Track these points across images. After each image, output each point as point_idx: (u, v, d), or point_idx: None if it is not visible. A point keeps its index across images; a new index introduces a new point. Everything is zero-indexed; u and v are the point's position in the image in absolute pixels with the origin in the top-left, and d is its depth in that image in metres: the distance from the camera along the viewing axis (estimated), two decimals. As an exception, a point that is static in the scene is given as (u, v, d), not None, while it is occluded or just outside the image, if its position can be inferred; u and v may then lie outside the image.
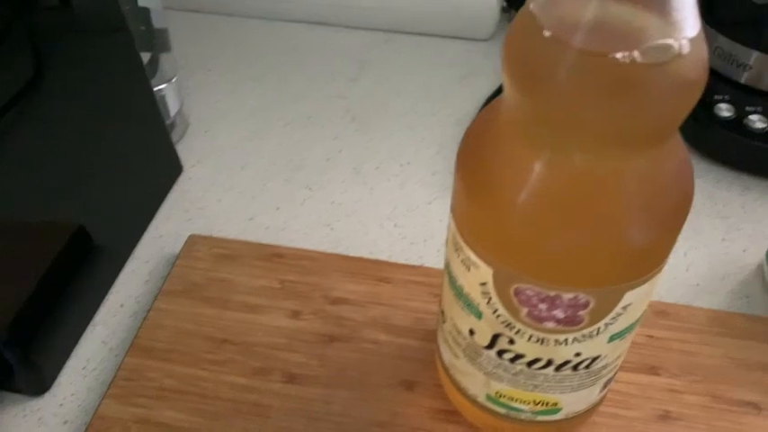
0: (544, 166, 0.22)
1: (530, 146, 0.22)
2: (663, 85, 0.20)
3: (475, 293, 0.26)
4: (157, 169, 0.46)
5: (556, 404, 0.29)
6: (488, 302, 0.26)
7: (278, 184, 0.46)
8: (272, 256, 0.40)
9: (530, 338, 0.26)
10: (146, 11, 0.45)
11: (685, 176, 0.24)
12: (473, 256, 0.25)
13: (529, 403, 0.29)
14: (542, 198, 0.22)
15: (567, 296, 0.24)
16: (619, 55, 0.19)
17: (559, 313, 0.24)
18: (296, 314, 0.37)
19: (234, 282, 0.39)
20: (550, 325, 0.25)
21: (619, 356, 0.28)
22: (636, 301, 0.25)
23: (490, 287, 0.25)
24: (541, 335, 0.25)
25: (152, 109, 0.44)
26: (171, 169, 0.47)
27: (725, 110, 0.47)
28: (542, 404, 0.29)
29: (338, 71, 0.56)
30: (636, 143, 0.21)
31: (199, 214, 0.44)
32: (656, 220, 0.23)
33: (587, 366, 0.27)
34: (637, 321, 0.27)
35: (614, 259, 0.23)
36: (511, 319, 0.26)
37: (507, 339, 0.26)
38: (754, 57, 0.46)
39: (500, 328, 0.26)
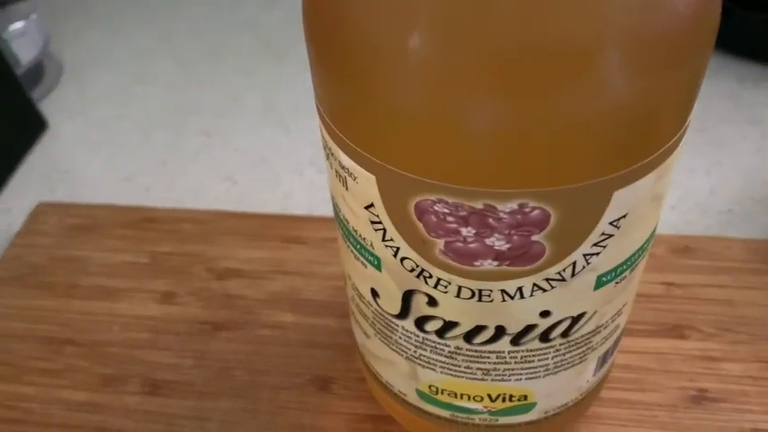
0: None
1: None
2: None
3: (363, 226, 0.16)
4: (9, 129, 0.35)
5: (525, 397, 0.18)
6: (384, 237, 0.15)
7: (165, 133, 0.36)
8: (142, 221, 0.29)
9: (459, 293, 0.15)
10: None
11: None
12: (346, 160, 0.14)
13: (482, 399, 0.18)
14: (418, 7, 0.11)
15: (506, 206, 0.13)
16: None
17: (499, 241, 0.14)
18: (168, 297, 0.27)
19: (87, 260, 0.28)
20: (488, 264, 0.14)
21: (618, 312, 0.17)
22: (636, 207, 0.14)
23: (379, 208, 0.15)
24: (477, 284, 0.15)
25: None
26: (29, 127, 0.36)
27: (743, -15, 0.36)
28: (503, 399, 0.18)
29: (254, -1, 0.45)
30: None
31: (62, 180, 0.34)
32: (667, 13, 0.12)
33: (565, 333, 0.16)
34: (642, 249, 0.16)
35: (586, 113, 0.12)
36: (422, 262, 0.15)
37: (425, 299, 0.16)
38: None
39: (410, 281, 0.16)
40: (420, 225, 0.14)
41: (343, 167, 0.15)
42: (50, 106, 0.38)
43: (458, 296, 0.15)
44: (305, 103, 0.37)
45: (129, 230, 0.29)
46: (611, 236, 0.14)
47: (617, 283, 0.16)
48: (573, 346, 0.17)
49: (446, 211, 0.13)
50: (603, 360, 0.19)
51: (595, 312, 0.16)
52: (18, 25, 0.38)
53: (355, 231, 0.16)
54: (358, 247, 0.16)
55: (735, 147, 0.33)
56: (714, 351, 0.24)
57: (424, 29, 0.11)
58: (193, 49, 0.41)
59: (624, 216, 0.14)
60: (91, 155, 0.35)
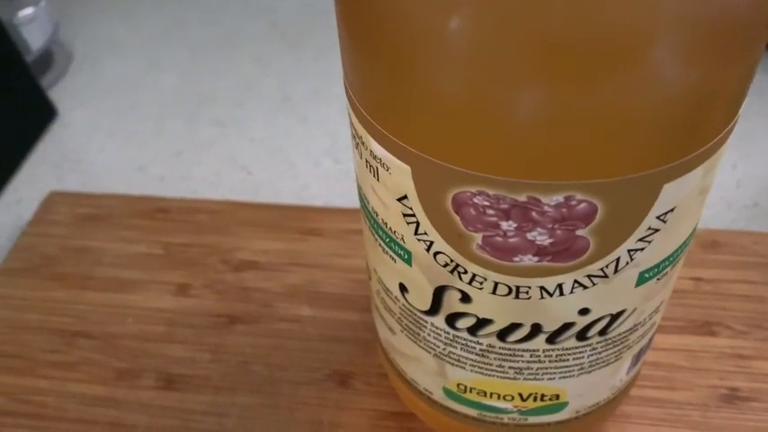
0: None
1: None
2: None
3: (394, 219, 0.15)
4: (18, 117, 0.34)
5: (557, 397, 0.18)
6: (416, 231, 0.14)
7: (178, 122, 0.35)
8: (155, 211, 0.29)
9: (495, 289, 0.14)
10: None
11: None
12: (378, 149, 0.14)
13: (512, 398, 0.18)
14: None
15: (552, 199, 0.12)
16: None
17: (542, 235, 0.13)
18: (183, 289, 0.26)
19: (100, 250, 0.27)
20: (528, 260, 0.14)
21: (656, 310, 0.17)
22: (683, 201, 0.13)
23: (413, 201, 0.14)
24: (515, 280, 0.14)
25: (2, 41, 0.33)
26: (39, 115, 0.35)
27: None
28: (535, 398, 0.18)
29: (268, -14, 0.45)
30: None
31: (73, 169, 0.33)
32: None
33: (603, 331, 0.16)
34: (685, 244, 0.15)
35: (642, 102, 0.11)
36: (457, 257, 0.14)
37: (458, 295, 0.15)
38: None
39: (443, 276, 0.15)
40: (457, 218, 0.13)
41: (374, 157, 0.14)
42: (60, 94, 0.37)
43: (493, 293, 0.15)
44: (321, 92, 0.36)
45: (143, 221, 0.28)
46: (657, 230, 0.14)
47: (658, 279, 0.15)
48: (609, 344, 0.16)
49: (486, 203, 0.13)
50: (637, 358, 0.18)
51: (635, 310, 0.16)
52: (27, 12, 0.37)
53: (385, 224, 0.15)
54: (387, 240, 0.16)
55: (761, 140, 0.32)
56: (745, 349, 0.23)
57: (471, 5, 0.11)
58: (207, 37, 0.40)
59: (672, 210, 0.13)
60: (102, 144, 0.34)
